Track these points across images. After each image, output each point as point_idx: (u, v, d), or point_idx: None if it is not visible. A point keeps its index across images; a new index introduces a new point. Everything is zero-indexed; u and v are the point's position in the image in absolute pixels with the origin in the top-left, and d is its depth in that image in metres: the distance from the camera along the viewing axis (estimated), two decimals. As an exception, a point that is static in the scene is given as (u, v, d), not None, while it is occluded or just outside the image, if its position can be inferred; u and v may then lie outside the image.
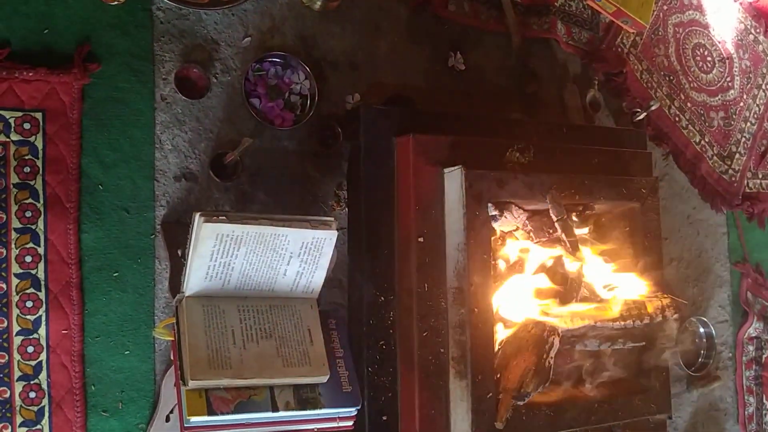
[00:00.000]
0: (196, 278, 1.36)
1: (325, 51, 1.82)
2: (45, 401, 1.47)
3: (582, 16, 2.24)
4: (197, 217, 1.32)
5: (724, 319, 2.44)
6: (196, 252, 1.33)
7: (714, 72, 2.52)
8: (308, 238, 1.40)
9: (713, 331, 2.31)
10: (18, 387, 1.45)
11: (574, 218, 1.72)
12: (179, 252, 1.57)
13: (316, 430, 1.41)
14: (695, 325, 2.33)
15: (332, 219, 1.45)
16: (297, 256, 1.41)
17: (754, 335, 2.49)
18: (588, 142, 1.91)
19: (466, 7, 2.02)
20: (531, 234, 1.70)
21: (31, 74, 1.49)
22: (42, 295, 1.48)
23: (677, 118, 2.40)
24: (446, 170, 1.61)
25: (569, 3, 2.21)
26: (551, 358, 1.55)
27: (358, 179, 1.69)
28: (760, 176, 2.60)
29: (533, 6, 2.13)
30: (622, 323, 1.68)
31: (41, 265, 1.48)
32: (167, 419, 1.53)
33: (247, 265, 1.38)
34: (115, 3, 1.57)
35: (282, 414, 1.34)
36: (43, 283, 1.48)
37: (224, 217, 1.32)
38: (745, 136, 2.55)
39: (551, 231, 1.69)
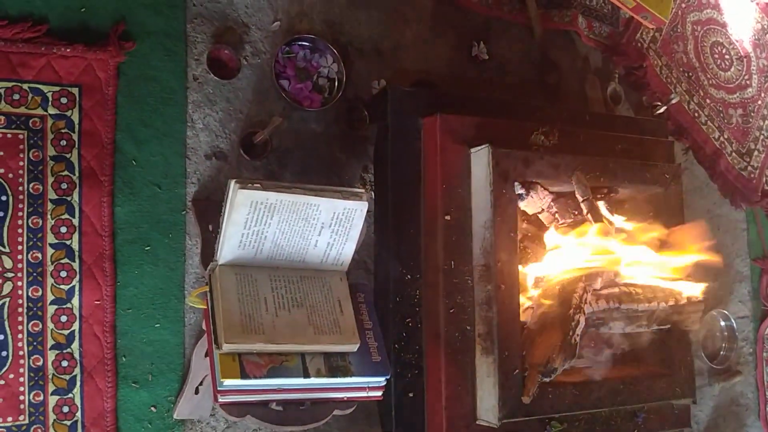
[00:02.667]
0: (229, 246, 1.38)
1: (351, 37, 1.86)
2: (77, 370, 1.48)
3: (602, 10, 2.27)
4: (232, 184, 1.34)
5: (744, 315, 2.44)
6: (231, 219, 1.35)
7: (732, 70, 2.54)
8: (339, 209, 1.42)
9: (734, 324, 2.31)
10: (51, 355, 1.47)
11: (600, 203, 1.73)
12: (210, 227, 1.59)
13: (345, 399, 1.42)
14: (717, 318, 2.33)
15: (364, 191, 1.46)
16: (328, 226, 1.43)
17: (774, 332, 2.49)
18: (610, 129, 1.93)
19: (489, 0, 2.06)
20: (556, 215, 1.72)
21: (68, 50, 1.52)
22: (76, 265, 1.50)
23: (696, 114, 2.42)
24: (473, 149, 1.63)
25: (590, -3, 2.25)
26: (577, 335, 1.55)
27: (384, 159, 1.70)
28: (779, 174, 2.62)
29: (555, -1, 2.17)
30: (647, 305, 1.68)
31: (76, 236, 1.50)
32: (196, 391, 1.54)
33: (279, 234, 1.40)
34: (150, -17, 1.61)
35: (313, 381, 1.35)
36: (77, 253, 1.50)
37: (259, 185, 1.34)
38: (763, 134, 2.57)
39: (576, 212, 1.70)
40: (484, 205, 1.60)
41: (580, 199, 1.67)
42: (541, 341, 1.59)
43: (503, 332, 1.55)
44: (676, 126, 2.36)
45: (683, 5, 2.45)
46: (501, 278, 1.56)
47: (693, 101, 2.42)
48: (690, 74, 2.42)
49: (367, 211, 1.75)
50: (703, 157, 2.43)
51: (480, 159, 1.62)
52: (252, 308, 1.35)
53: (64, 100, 1.52)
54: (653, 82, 2.31)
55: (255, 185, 1.34)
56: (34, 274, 1.46)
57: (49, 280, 1.48)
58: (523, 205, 1.67)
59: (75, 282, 1.50)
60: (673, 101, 2.24)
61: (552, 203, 1.72)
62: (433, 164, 1.65)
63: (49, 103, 1.51)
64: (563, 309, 1.59)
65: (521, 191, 1.63)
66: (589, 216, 1.66)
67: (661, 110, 2.26)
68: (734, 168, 2.49)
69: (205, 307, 1.40)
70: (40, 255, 1.47)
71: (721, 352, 2.30)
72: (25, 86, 1.49)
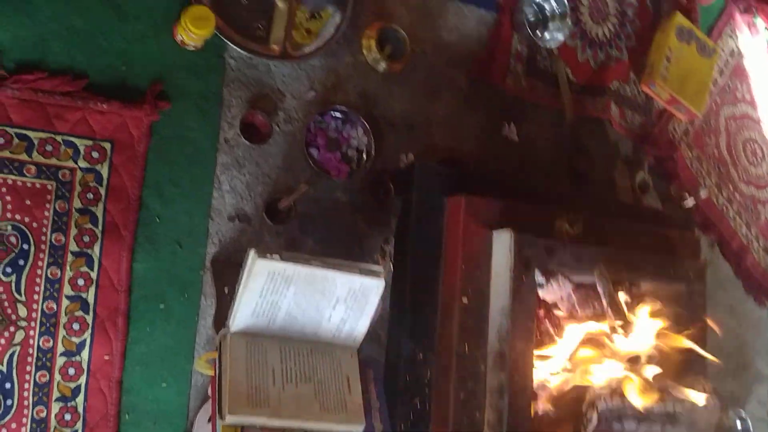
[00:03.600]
0: (243, 314, 1.37)
1: (384, 110, 1.88)
2: (79, 424, 1.47)
3: (636, 100, 2.28)
4: (251, 253, 1.34)
5: (762, 417, 2.37)
6: (247, 287, 1.35)
7: (763, 167, 2.52)
8: (356, 285, 1.42)
9: (750, 427, 2.23)
10: (55, 408, 1.46)
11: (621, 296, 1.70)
12: (226, 290, 1.59)
13: (345, 480, 1.39)
14: (732, 419, 2.25)
15: (381, 268, 1.46)
16: (344, 301, 1.42)
17: (794, 438, 2.41)
18: (636, 221, 1.92)
19: (523, 82, 2.07)
20: (575, 306, 1.69)
21: (105, 106, 1.55)
22: (89, 318, 1.50)
23: (725, 208, 2.40)
24: (496, 232, 1.62)
25: (624, 87, 2.26)
26: (589, 432, 1.51)
27: (406, 234, 1.70)
28: (806, 275, 2.57)
29: (589, 86, 2.18)
30: (662, 405, 1.64)
31: (92, 289, 1.51)
32: (196, 456, 1.52)
33: (294, 305, 1.39)
34: (192, 48, 1.64)
35: (314, 459, 1.33)
36: (91, 307, 1.50)
37: (278, 256, 1.34)
38: (792, 233, 2.54)
39: (596, 305, 1.68)
40: (502, 291, 1.58)
41: (602, 293, 1.65)
42: (551, 435, 1.55)
43: (513, 423, 1.51)
44: (704, 219, 2.34)
45: (718, 99, 2.46)
46: (515, 367, 1.53)
47: (722, 195, 2.40)
48: (721, 168, 2.41)
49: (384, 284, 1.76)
50: (728, 252, 2.40)
51: (502, 243, 1.60)
52: (259, 380, 1.34)
53: (95, 154, 1.54)
54: (683, 174, 2.29)
55: (274, 256, 1.34)
56: (47, 324, 1.47)
57: (61, 332, 1.48)
58: (542, 292, 1.65)
59: (86, 335, 1.49)
60: (702, 195, 2.23)
61: (572, 293, 1.69)
62: (454, 244, 1.64)
63: (81, 156, 1.53)
64: (576, 404, 1.55)
65: (542, 280, 1.62)
66: (609, 311, 1.64)
67: (690, 203, 2.24)
68: (760, 265, 2.45)
69: (213, 374, 1.38)
70: (55, 306, 1.48)
71: (737, 455, 2.23)
72: (59, 138, 1.52)
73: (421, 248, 1.66)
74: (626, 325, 1.62)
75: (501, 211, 1.66)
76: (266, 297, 1.37)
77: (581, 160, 2.12)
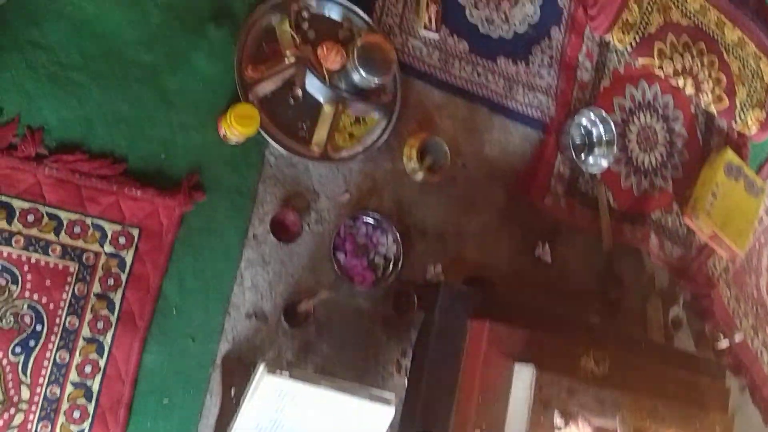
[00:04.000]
0: (244, 426, 1.33)
1: (417, 219, 1.85)
2: None
3: (677, 232, 2.22)
4: (261, 367, 1.31)
5: None
6: (252, 401, 1.31)
7: (805, 312, 2.43)
8: (365, 410, 1.37)
9: None
10: (42, 498, 1.42)
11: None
12: (232, 391, 1.55)
13: None
14: None
15: (393, 396, 1.41)
16: (349, 425, 1.37)
17: None
18: (666, 363, 1.84)
19: (563, 203, 2.04)
20: (592, 451, 1.61)
21: (139, 193, 1.55)
22: (91, 407, 1.47)
23: (760, 352, 2.30)
24: (517, 365, 1.56)
25: (666, 216, 2.21)
26: None
27: (424, 352, 1.65)
28: (843, 430, 2.43)
29: (629, 213, 2.14)
30: None
31: (98, 378, 1.48)
32: None
33: (297, 423, 1.34)
34: (234, 142, 1.65)
35: None
36: (95, 395, 1.47)
37: (287, 373, 1.31)
38: (831, 386, 2.41)
39: (615, 453, 1.60)
40: (518, 429, 1.51)
41: (621, 442, 1.57)
42: None
43: None
44: (736, 362, 2.25)
45: (762, 238, 2.39)
46: None
47: (758, 338, 2.30)
48: (759, 310, 2.32)
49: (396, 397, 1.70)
50: (759, 398, 2.29)
51: (522, 378, 1.54)
52: (253, 501, 1.28)
53: (122, 240, 1.54)
54: (719, 313, 2.22)
55: (283, 372, 1.30)
56: (48, 409, 1.44)
57: (61, 419, 1.44)
58: (558, 434, 1.58)
59: (86, 424, 1.46)
60: (737, 339, 2.14)
61: (590, 437, 1.61)
62: (472, 371, 1.59)
63: (108, 241, 1.53)
64: None
65: (560, 422, 1.54)
66: (627, 463, 1.55)
67: (723, 345, 2.15)
68: (793, 416, 2.33)
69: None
70: (58, 391, 1.45)
71: None
72: (89, 221, 1.51)
73: (438, 371, 1.61)
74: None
75: (525, 342, 1.60)
76: (270, 412, 1.32)
77: (614, 288, 2.06)
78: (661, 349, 1.94)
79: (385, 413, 1.38)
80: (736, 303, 2.27)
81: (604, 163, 2.05)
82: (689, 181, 2.25)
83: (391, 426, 1.63)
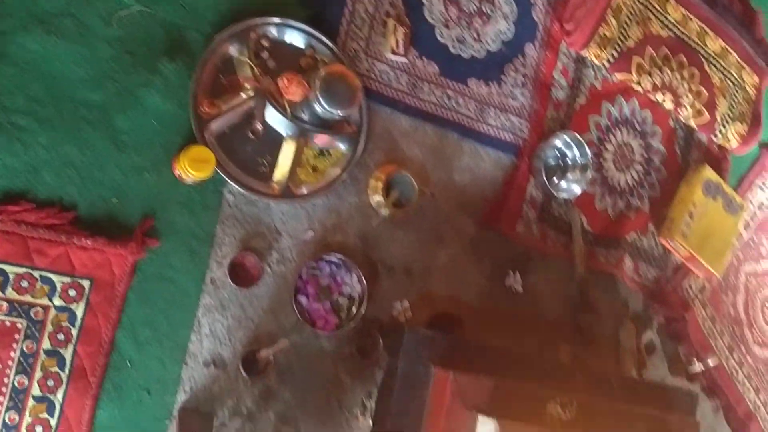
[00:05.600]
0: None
1: (383, 254, 1.80)
2: None
3: (653, 253, 2.19)
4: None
5: None
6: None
7: (781, 328, 2.41)
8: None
9: None
10: None
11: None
12: (189, 445, 1.52)
13: None
14: None
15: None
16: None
17: None
18: (636, 399, 1.81)
19: (535, 229, 1.99)
20: (557, 499, 1.59)
21: (89, 242, 1.49)
22: (42, 469, 1.43)
23: (734, 372, 2.29)
24: (480, 418, 1.53)
25: (641, 238, 2.16)
26: None
27: (388, 400, 1.62)
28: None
29: (604, 237, 2.09)
30: None
31: (50, 438, 1.44)
32: None
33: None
34: (190, 183, 1.58)
35: None
36: (46, 457, 1.44)
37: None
38: (804, 402, 2.41)
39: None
40: (480, 485, 1.49)
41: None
42: None
43: None
44: (711, 383, 2.23)
45: (740, 254, 2.35)
46: None
47: (733, 357, 2.29)
48: (735, 328, 2.30)
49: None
50: (733, 418, 2.29)
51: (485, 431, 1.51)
52: None
53: (72, 293, 1.48)
54: (694, 335, 2.19)
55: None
56: (-3, 474, 1.40)
57: (11, 483, 1.41)
58: (522, 488, 1.56)
59: (36, 488, 1.42)
60: (711, 363, 2.12)
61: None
62: (436, 422, 1.55)
63: (57, 294, 1.47)
64: None
65: (523, 477, 1.52)
66: None
67: (697, 369, 2.13)
68: (766, 433, 2.33)
69: None
70: (8, 454, 1.41)
71: None
72: (37, 274, 1.45)
73: (402, 420, 1.58)
74: None
75: (489, 392, 1.57)
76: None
77: (586, 317, 2.02)
78: (631, 385, 1.91)
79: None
80: (711, 323, 2.24)
81: (577, 190, 2.00)
82: (666, 199, 2.20)
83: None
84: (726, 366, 2.26)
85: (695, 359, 2.14)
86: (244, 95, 1.64)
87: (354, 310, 1.72)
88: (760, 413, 2.32)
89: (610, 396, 1.78)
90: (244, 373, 1.59)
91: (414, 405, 1.59)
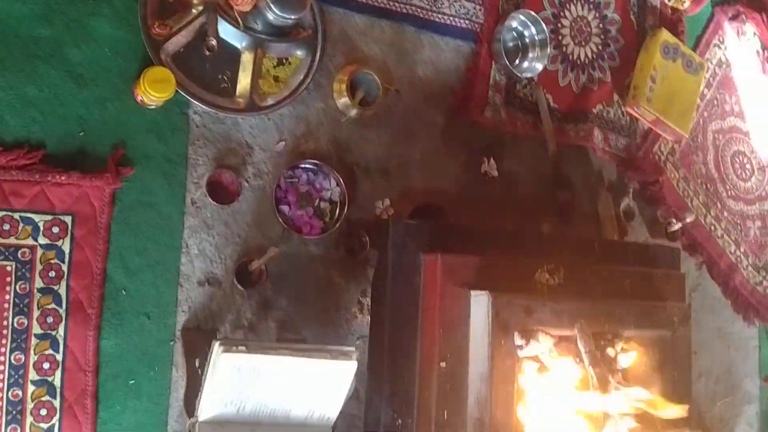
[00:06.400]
0: (210, 404, 1.34)
1: (358, 156, 1.81)
2: None
3: (620, 122, 2.21)
4: (216, 347, 1.30)
5: (751, 439, 2.36)
6: (213, 379, 1.31)
7: (753, 180, 2.47)
8: (327, 369, 1.37)
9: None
10: (26, 497, 1.43)
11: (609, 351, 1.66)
12: (196, 362, 1.55)
13: None
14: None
15: (353, 349, 1.42)
16: (315, 386, 1.38)
17: (782, 454, 2.41)
18: (620, 260, 1.87)
19: (503, 114, 2.01)
20: (557, 360, 1.65)
21: (63, 178, 1.49)
22: (57, 403, 1.46)
23: (713, 227, 2.35)
24: (473, 294, 1.57)
25: (607, 109, 2.19)
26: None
27: (382, 292, 1.66)
28: (796, 287, 2.54)
29: (571, 112, 2.11)
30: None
31: (58, 373, 1.47)
32: None
33: (263, 393, 1.35)
34: (153, 107, 1.57)
35: None
36: (58, 391, 1.46)
37: (243, 347, 1.30)
38: (782, 247, 2.49)
39: (578, 359, 1.64)
40: (481, 356, 1.53)
41: (583, 350, 1.61)
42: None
43: (494, 493, 1.49)
44: (691, 241, 2.30)
45: (705, 113, 2.39)
46: (495, 436, 1.50)
47: (710, 214, 2.35)
48: (708, 186, 2.36)
49: (363, 336, 1.72)
50: (717, 272, 2.36)
51: (480, 306, 1.55)
52: (230, 473, 1.31)
53: (55, 230, 1.49)
54: (669, 197, 2.24)
55: (240, 348, 1.30)
56: (14, 412, 1.43)
57: (29, 419, 1.44)
58: (522, 353, 1.61)
59: (55, 420, 1.46)
60: (689, 219, 2.18)
61: (553, 347, 1.66)
62: (431, 305, 1.60)
63: (40, 233, 1.48)
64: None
65: (521, 342, 1.57)
66: (590, 369, 1.60)
67: (676, 228, 2.19)
68: (749, 283, 2.41)
69: (184, 465, 1.35)
70: (20, 393, 1.44)
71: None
72: (17, 216, 1.46)
73: (397, 308, 1.62)
74: (605, 384, 1.59)
75: (478, 269, 1.61)
76: (234, 387, 1.33)
77: (564, 191, 2.06)
78: (615, 246, 1.97)
79: (348, 367, 1.39)
80: (685, 183, 2.29)
81: (539, 66, 2.01)
82: (627, 68, 2.22)
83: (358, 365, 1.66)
84: (704, 223, 2.32)
85: (673, 219, 2.20)
86: (194, 11, 1.62)
87: (337, 212, 1.74)
88: (742, 264, 2.40)
89: (594, 259, 1.83)
90: (239, 286, 1.62)
91: (408, 293, 1.62)
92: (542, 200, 2.05)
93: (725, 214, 2.37)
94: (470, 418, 1.55)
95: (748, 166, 2.47)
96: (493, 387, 1.51)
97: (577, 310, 1.63)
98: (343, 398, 1.42)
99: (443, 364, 1.57)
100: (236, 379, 1.32)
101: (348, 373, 1.39)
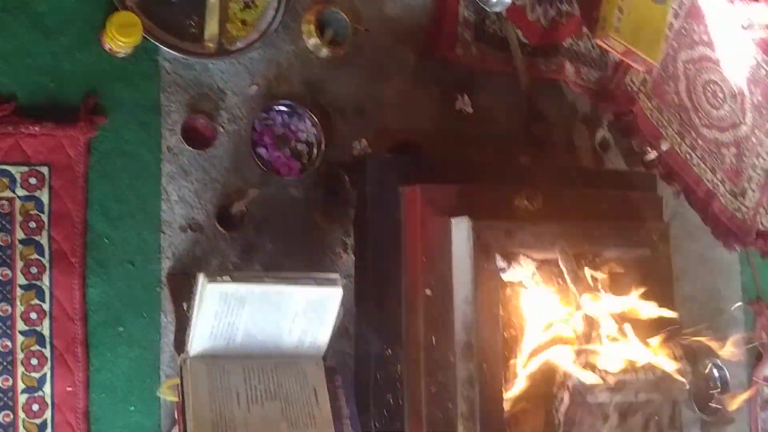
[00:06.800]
0: (200, 338, 1.35)
1: (331, 97, 1.82)
2: (50, 460, 1.46)
3: (590, 55, 2.22)
4: (201, 278, 1.31)
5: (739, 362, 2.40)
6: (200, 312, 1.32)
7: (725, 108, 2.49)
8: (313, 296, 1.39)
9: (727, 374, 2.28)
10: (23, 446, 1.44)
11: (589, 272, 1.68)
12: (184, 305, 1.56)
13: (321, 492, 1.39)
14: (709, 367, 2.29)
15: (337, 276, 1.43)
16: (302, 313, 1.40)
17: (769, 375, 2.46)
18: (598, 185, 1.89)
19: (474, 50, 2.01)
20: (540, 284, 1.68)
21: (37, 128, 1.49)
22: (47, 352, 1.47)
23: (688, 156, 2.37)
24: (453, 220, 1.59)
25: (577, 42, 2.20)
26: (561, 414, 1.52)
27: (364, 229, 1.67)
28: (774, 213, 2.57)
29: (541, 47, 2.12)
30: (634, 375, 1.65)
31: (46, 322, 1.47)
32: (173, 476, 1.51)
33: (251, 324, 1.37)
34: (123, 55, 1.57)
35: (286, 477, 1.33)
36: (48, 340, 1.47)
37: (228, 277, 1.31)
38: (757, 173, 2.52)
39: (561, 281, 1.67)
40: (465, 280, 1.56)
41: (564, 270, 1.63)
42: (524, 419, 1.55)
43: (486, 412, 1.51)
44: (668, 170, 2.32)
45: (675, 44, 2.40)
46: (483, 356, 1.52)
47: (685, 143, 2.37)
48: (682, 115, 2.38)
49: (349, 275, 1.74)
50: (695, 200, 2.39)
51: (460, 231, 1.57)
52: (223, 404, 1.32)
53: (33, 181, 1.49)
54: (643, 127, 2.26)
55: (224, 278, 1.31)
56: (4, 363, 1.43)
57: (20, 369, 1.45)
58: (505, 276, 1.63)
59: (46, 369, 1.47)
60: (664, 149, 2.20)
61: (536, 271, 1.68)
62: (413, 235, 1.61)
63: (18, 185, 1.47)
64: (547, 386, 1.55)
65: (503, 264, 1.59)
66: (572, 287, 1.63)
67: (652, 157, 2.22)
68: (728, 209, 2.44)
69: (177, 400, 1.37)
70: (9, 343, 1.44)
71: (713, 403, 2.27)
72: (-7, 169, 1.45)
73: (381, 243, 1.64)
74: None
75: (458, 197, 1.62)
76: (222, 319, 1.34)
77: (538, 125, 2.08)
78: (592, 173, 1.99)
79: (334, 294, 1.40)
80: (658, 113, 2.31)
81: (508, 0, 2.01)
82: (595, 0, 2.22)
83: (346, 303, 1.68)
84: (679, 151, 2.34)
85: (649, 149, 2.22)
86: (157, -43, 1.61)
87: (315, 153, 1.75)
88: (719, 191, 2.42)
89: (572, 186, 1.85)
90: (221, 229, 1.63)
91: (389, 226, 1.64)
92: (518, 135, 2.06)
93: (700, 142, 2.40)
94: (458, 342, 1.57)
95: (720, 94, 2.49)
96: (478, 310, 1.54)
97: (557, 232, 1.66)
98: (332, 325, 1.44)
99: (428, 292, 1.58)
100: (223, 310, 1.33)
101: (334, 299, 1.41)
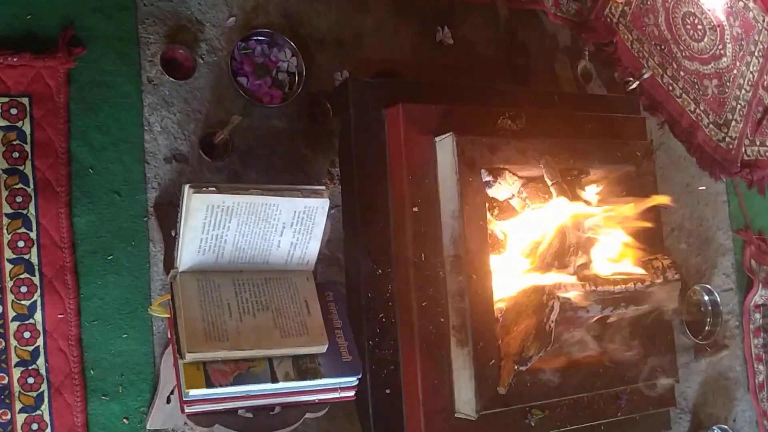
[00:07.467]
0: (188, 252, 1.35)
1: (310, 28, 1.82)
2: (44, 386, 1.45)
3: (569, -14, 2.23)
4: (186, 189, 1.30)
5: (729, 287, 2.42)
6: (188, 225, 1.32)
7: (705, 40, 2.50)
8: (300, 207, 1.39)
9: (718, 299, 2.29)
10: (16, 373, 1.44)
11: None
12: (172, 233, 1.55)
13: (317, 401, 1.39)
14: (700, 293, 2.31)
15: (323, 187, 1.43)
16: (290, 226, 1.40)
17: (760, 302, 2.47)
18: (580, 109, 1.90)
19: (453, -19, 2.02)
20: (527, 201, 1.69)
21: (15, 59, 1.48)
22: (36, 280, 1.47)
23: (671, 87, 2.38)
24: (437, 138, 1.60)
25: (556, -26, 2.20)
26: (552, 321, 1.53)
27: (349, 154, 1.67)
28: (758, 143, 2.58)
29: (520, -22, 2.13)
30: (623, 287, 1.66)
31: (34, 250, 1.47)
32: (168, 401, 1.51)
33: (239, 237, 1.36)
34: (97, -14, 1.57)
35: (282, 385, 1.32)
36: (36, 267, 1.47)
37: (214, 188, 1.31)
38: (740, 104, 2.54)
39: (547, 197, 1.67)
40: (451, 195, 1.56)
41: (550, 183, 1.64)
42: (516, 329, 1.56)
43: (477, 323, 1.52)
44: (651, 101, 2.33)
45: (652, -23, 2.41)
46: (472, 268, 1.53)
47: (666, 74, 2.38)
48: (662, 47, 2.39)
49: (337, 206, 1.74)
50: (679, 130, 2.40)
51: (445, 148, 1.58)
52: (215, 315, 1.32)
53: (14, 111, 1.48)
54: (624, 58, 2.27)
55: (210, 189, 1.31)
56: (-7, 291, 1.43)
57: (9, 297, 1.44)
58: (492, 192, 1.64)
59: (36, 297, 1.46)
60: (645, 76, 2.21)
61: (522, 188, 1.69)
62: (398, 155, 1.62)
63: (-1, 115, 1.47)
64: (538, 295, 1.56)
65: (488, 178, 1.60)
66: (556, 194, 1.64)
67: (634, 86, 2.22)
68: (712, 140, 2.46)
69: (169, 316, 1.37)
70: (-2, 271, 1.44)
71: (706, 328, 2.28)
72: (-28, 99, 1.45)
73: (366, 165, 1.63)
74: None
75: (441, 117, 1.63)
76: (209, 232, 1.34)
77: (519, 55, 2.08)
78: (574, 97, 2.00)
79: (321, 204, 1.40)
80: (639, 45, 2.32)
81: (484, -70, 2.02)
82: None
83: (335, 232, 1.68)
84: (661, 83, 2.35)
85: (630, 78, 2.23)
86: None
87: (296, 83, 1.75)
88: (703, 122, 2.44)
89: (555, 107, 1.86)
90: (206, 158, 1.63)
91: (374, 149, 1.64)
92: (499, 65, 2.06)
93: (681, 73, 2.41)
94: (447, 256, 1.58)
95: (699, 26, 2.50)
96: (465, 223, 1.54)
97: (541, 148, 1.67)
98: (320, 238, 1.44)
99: (415, 209, 1.59)
100: (210, 222, 1.33)
101: (321, 210, 1.41)
